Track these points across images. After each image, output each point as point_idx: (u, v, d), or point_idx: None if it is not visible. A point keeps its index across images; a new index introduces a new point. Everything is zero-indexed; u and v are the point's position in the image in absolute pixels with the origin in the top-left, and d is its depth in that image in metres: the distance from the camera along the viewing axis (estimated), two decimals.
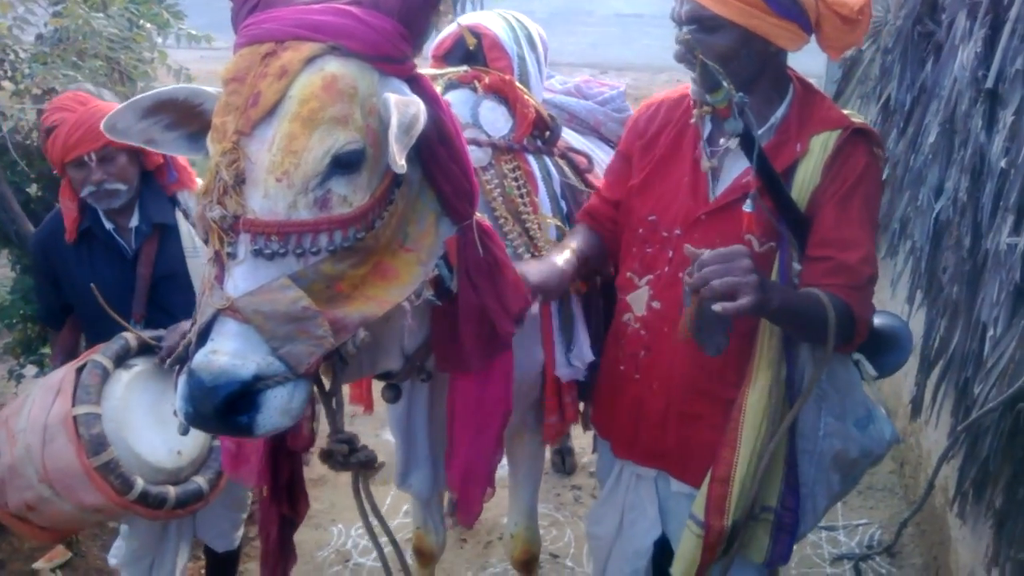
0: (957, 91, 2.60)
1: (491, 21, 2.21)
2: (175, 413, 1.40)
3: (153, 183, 2.53)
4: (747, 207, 1.71)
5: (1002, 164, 2.22)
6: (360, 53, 1.46)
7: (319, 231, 1.41)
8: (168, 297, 2.52)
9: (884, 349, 1.99)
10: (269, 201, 1.38)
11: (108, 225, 2.51)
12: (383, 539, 2.07)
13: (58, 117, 2.38)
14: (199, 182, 2.58)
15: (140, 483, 2.20)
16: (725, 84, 1.63)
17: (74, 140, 2.35)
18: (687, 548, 1.92)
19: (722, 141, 1.85)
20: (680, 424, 1.95)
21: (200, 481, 2.36)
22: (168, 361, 1.39)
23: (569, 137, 2.39)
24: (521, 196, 2.01)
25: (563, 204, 2.17)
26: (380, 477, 3.79)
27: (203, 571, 3.06)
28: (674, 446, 1.97)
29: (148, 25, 3.56)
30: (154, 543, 2.63)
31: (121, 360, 2.30)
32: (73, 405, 2.17)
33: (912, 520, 3.13)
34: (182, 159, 2.60)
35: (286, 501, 1.91)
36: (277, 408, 1.37)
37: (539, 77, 2.30)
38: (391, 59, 1.50)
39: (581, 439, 3.89)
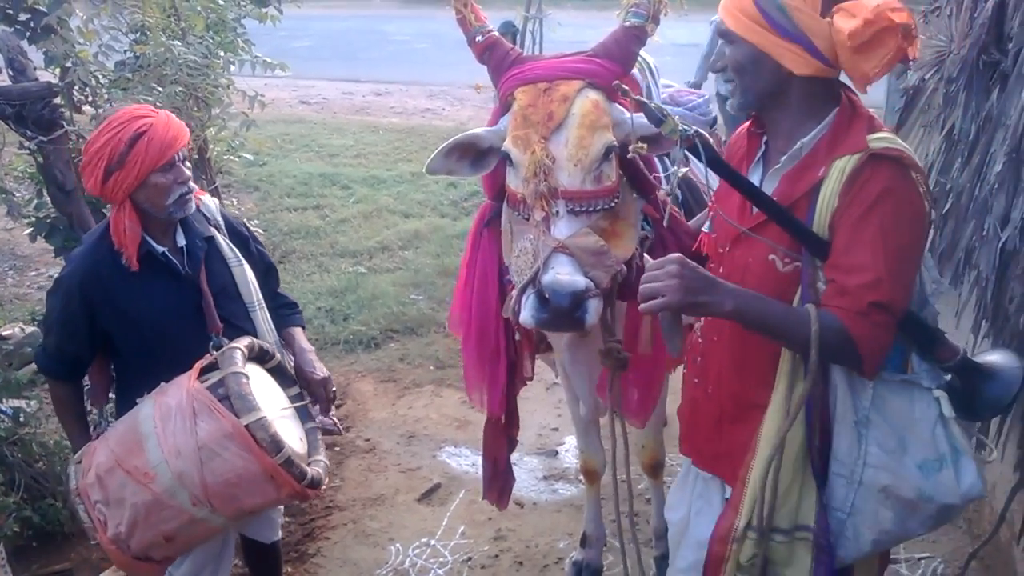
0: None
1: None
2: None
3: None
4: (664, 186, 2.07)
5: None
6: (602, 86, 2.16)
7: (598, 197, 2.10)
8: (226, 309, 2.52)
9: (982, 383, 1.96)
10: (571, 178, 2.07)
11: (159, 248, 2.44)
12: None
13: (143, 123, 2.33)
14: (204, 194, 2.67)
15: (308, 469, 2.35)
16: (668, 117, 1.88)
17: (171, 136, 2.34)
18: None
19: (672, 169, 1.97)
20: (731, 429, 2.04)
21: (322, 458, 2.49)
22: (518, 286, 2.07)
23: None
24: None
25: (678, 192, 2.67)
26: (437, 498, 3.88)
27: None
28: (726, 451, 2.06)
29: (223, 53, 3.71)
30: (218, 550, 2.64)
31: None
32: (238, 417, 2.23)
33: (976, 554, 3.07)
34: None
35: (511, 424, 2.64)
36: (594, 310, 2.01)
37: (657, 98, 2.94)
38: (615, 89, 2.13)
39: (636, 466, 3.89)
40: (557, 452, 4.21)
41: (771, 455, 1.88)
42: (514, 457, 4.03)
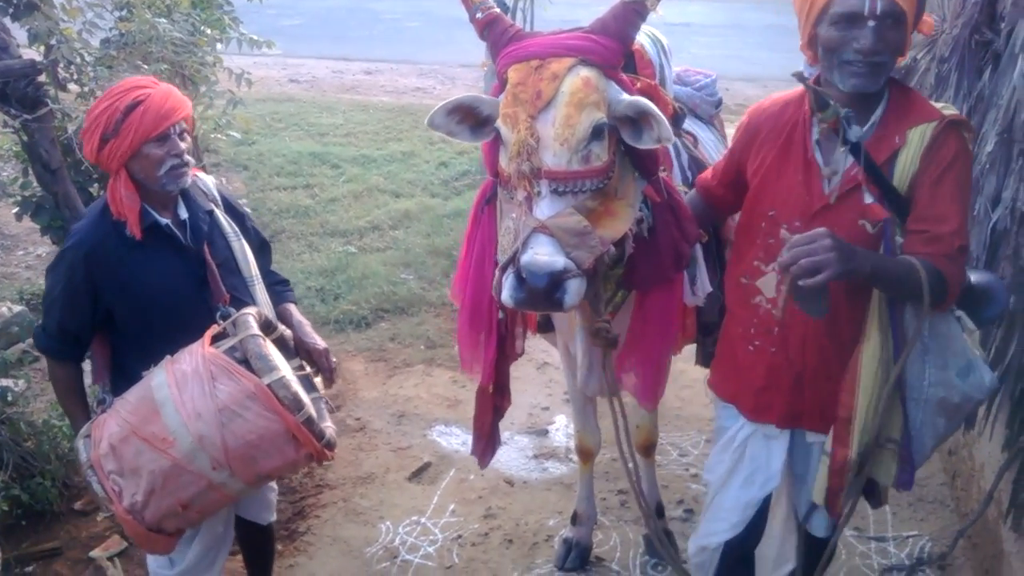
0: (1016, 101, 2.58)
1: (639, 38, 2.60)
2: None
3: None
4: (868, 199, 2.09)
5: None
6: (598, 63, 2.12)
7: (585, 177, 2.06)
8: (228, 282, 2.52)
9: (981, 303, 2.23)
10: (556, 158, 2.04)
11: (163, 220, 2.44)
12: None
13: (141, 93, 2.34)
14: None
15: (326, 430, 2.39)
16: (832, 103, 2.04)
17: (167, 108, 2.34)
18: (821, 475, 2.24)
19: (841, 150, 2.10)
20: (815, 384, 2.23)
21: (330, 425, 2.50)
22: (499, 265, 2.07)
23: None
24: (661, 170, 2.47)
25: (688, 174, 2.83)
26: (428, 476, 3.88)
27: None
28: (810, 404, 2.25)
29: (209, 31, 3.67)
30: (221, 530, 2.64)
31: None
32: (259, 377, 2.24)
33: (964, 533, 3.10)
34: None
35: (501, 396, 2.65)
36: (574, 291, 2.00)
37: (670, 77, 2.90)
38: (613, 67, 2.18)
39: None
40: (547, 431, 4.21)
41: (878, 390, 2.09)
42: (505, 436, 4.05)
